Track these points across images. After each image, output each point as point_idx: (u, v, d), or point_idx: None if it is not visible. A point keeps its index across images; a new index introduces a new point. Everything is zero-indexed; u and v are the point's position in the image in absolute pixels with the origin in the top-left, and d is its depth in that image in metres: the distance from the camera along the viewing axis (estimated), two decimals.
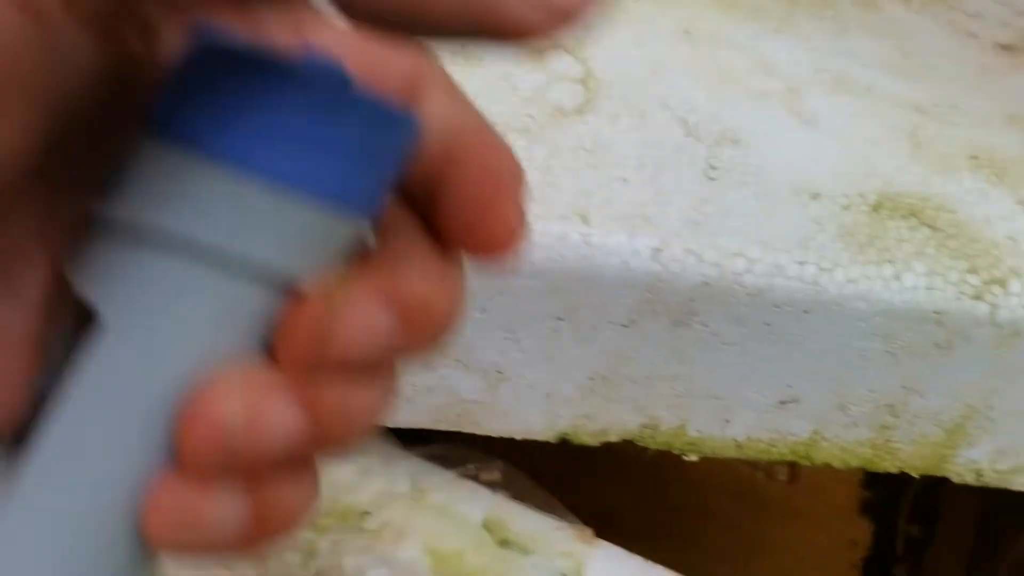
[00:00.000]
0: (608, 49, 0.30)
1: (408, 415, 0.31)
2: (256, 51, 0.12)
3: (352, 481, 0.33)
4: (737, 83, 0.31)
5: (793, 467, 0.56)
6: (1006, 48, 0.36)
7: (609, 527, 0.58)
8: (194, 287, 0.12)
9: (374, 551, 0.32)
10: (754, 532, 0.58)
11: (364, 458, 0.34)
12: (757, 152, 0.28)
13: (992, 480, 0.32)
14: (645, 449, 0.64)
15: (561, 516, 0.33)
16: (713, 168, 0.27)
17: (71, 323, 0.12)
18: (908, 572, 0.56)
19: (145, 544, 0.12)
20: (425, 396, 0.29)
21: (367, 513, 0.33)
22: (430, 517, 0.33)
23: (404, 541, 0.32)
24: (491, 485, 0.34)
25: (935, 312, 0.26)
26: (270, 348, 0.12)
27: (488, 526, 0.33)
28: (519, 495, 0.33)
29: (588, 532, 0.33)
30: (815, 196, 0.27)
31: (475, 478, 0.34)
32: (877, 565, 0.57)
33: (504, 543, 0.32)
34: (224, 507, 0.12)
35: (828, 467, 0.38)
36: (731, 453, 0.31)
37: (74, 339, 0.12)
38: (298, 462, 0.12)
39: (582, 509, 0.58)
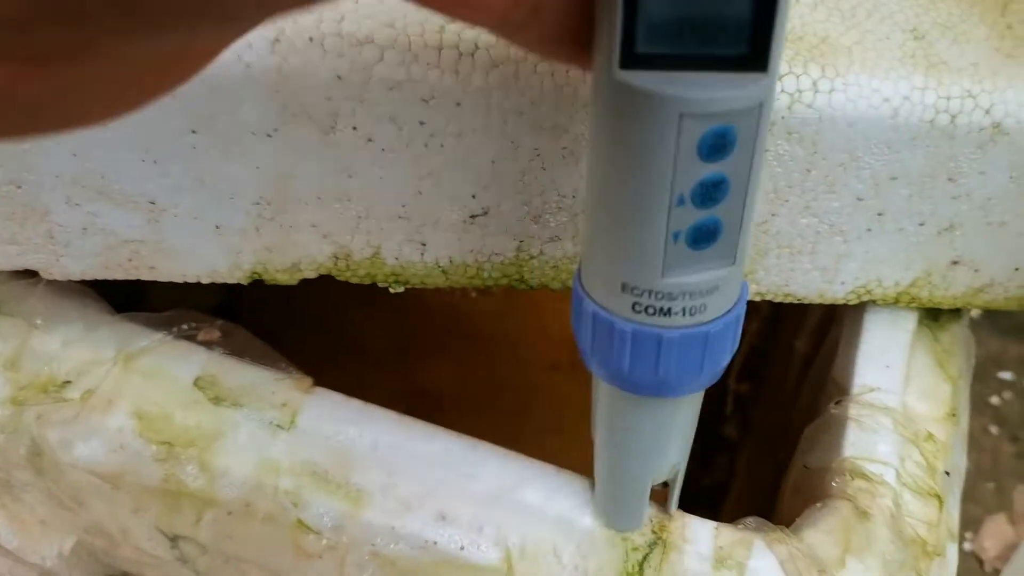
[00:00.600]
0: None
1: (74, 264, 0.28)
2: None
3: (54, 351, 0.31)
4: None
5: None
6: None
7: (435, 406, 0.56)
8: None
9: (81, 421, 0.30)
10: (583, 403, 0.57)
11: (66, 327, 0.32)
12: None
13: None
14: (466, 321, 0.62)
15: (282, 368, 0.31)
16: None
17: None
18: (736, 428, 0.56)
19: None
20: (81, 239, 0.27)
21: (69, 382, 0.31)
22: (139, 381, 0.31)
23: (112, 408, 0.31)
24: (209, 344, 0.32)
25: None
26: None
27: (200, 384, 0.31)
28: (238, 351, 0.32)
29: (307, 381, 0.31)
30: None
31: (191, 338, 0.32)
32: (708, 425, 0.57)
33: (216, 399, 0.31)
34: None
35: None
36: (439, 281, 0.30)
37: None
38: None
39: (406, 389, 0.57)
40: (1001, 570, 0.60)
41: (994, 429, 0.70)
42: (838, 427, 0.30)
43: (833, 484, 0.29)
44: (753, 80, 0.18)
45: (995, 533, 0.63)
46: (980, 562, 0.63)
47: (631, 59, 0.18)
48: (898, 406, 0.31)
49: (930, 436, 0.31)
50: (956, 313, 0.34)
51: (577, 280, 0.22)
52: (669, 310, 0.20)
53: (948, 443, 0.31)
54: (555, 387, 0.57)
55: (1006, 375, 0.72)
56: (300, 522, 0.30)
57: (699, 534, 0.28)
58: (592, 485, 0.29)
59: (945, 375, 0.33)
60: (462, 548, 0.29)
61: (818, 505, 0.28)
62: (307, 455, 0.30)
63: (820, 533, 0.27)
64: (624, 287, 0.20)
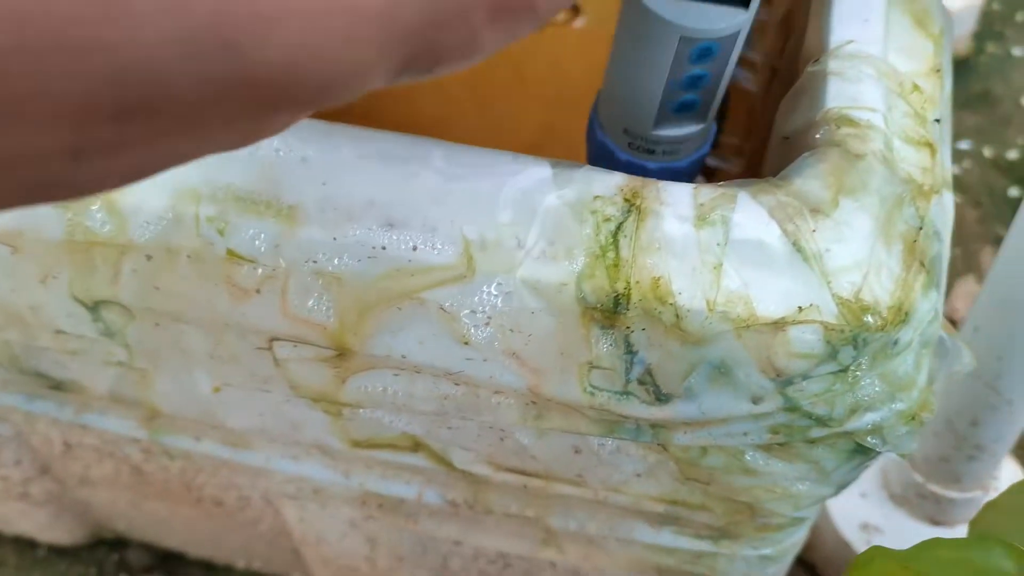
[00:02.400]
0: None
1: None
2: None
3: None
4: None
5: None
6: None
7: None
8: None
9: None
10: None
11: None
12: None
13: None
14: None
15: None
16: None
17: None
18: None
19: None
20: None
21: None
22: None
23: None
24: None
25: None
26: None
27: None
28: None
29: None
30: None
31: None
32: None
33: None
34: None
35: None
36: None
37: None
38: None
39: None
40: None
41: (957, 198, 0.69)
42: (818, 84, 0.27)
43: (817, 136, 0.26)
44: (736, 13, 0.24)
45: (965, 294, 0.62)
46: (954, 323, 0.63)
47: None
48: (880, 57, 0.28)
49: (916, 87, 0.28)
50: None
51: (594, 112, 0.30)
52: (653, 151, 0.29)
53: (935, 96, 0.28)
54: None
55: (964, 145, 0.71)
56: (231, 252, 0.27)
57: (676, 196, 0.25)
58: (552, 164, 0.26)
59: (926, 33, 0.30)
60: (415, 249, 0.25)
61: (805, 155, 0.25)
62: (228, 178, 0.27)
63: (810, 179, 0.25)
64: (625, 131, 0.29)
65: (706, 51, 0.25)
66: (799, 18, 0.33)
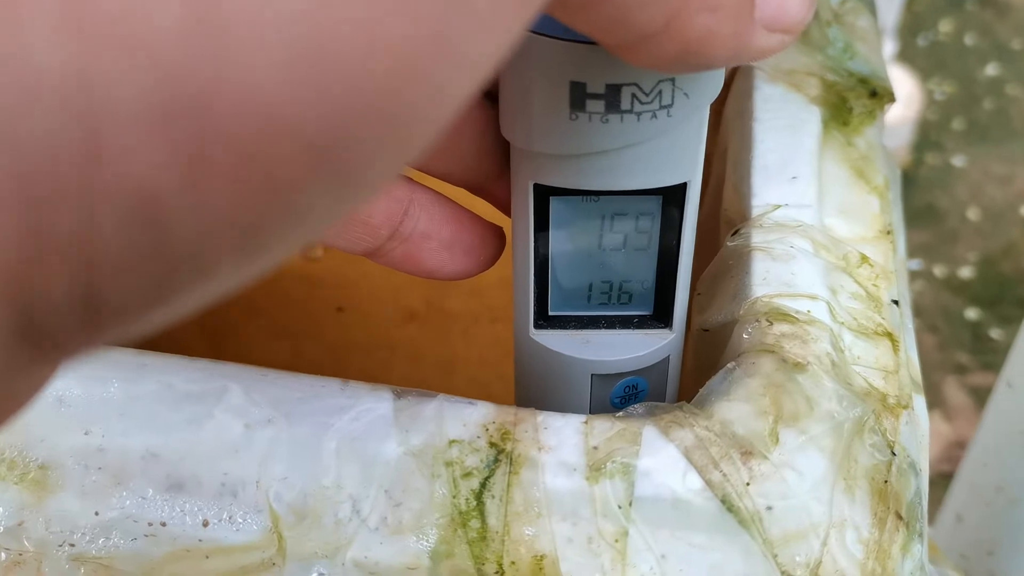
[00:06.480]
0: None
1: None
2: None
3: None
4: None
5: None
6: None
7: None
8: None
9: None
10: (443, 355, 0.48)
11: None
12: None
13: None
14: None
15: None
16: None
17: None
18: None
19: None
20: None
21: None
22: None
23: None
24: None
25: None
26: None
27: None
28: None
29: None
30: None
31: None
32: None
33: None
34: None
35: None
36: None
37: None
38: None
39: None
40: (943, 472, 0.53)
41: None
42: (740, 263, 0.21)
43: (745, 336, 0.20)
44: (659, 337, 0.20)
45: (932, 433, 0.56)
46: None
47: (545, 321, 0.20)
48: (816, 223, 0.22)
49: (864, 259, 0.22)
50: (869, 115, 0.26)
51: None
52: None
53: (888, 267, 0.22)
54: (412, 341, 0.48)
55: (913, 264, 0.66)
56: None
57: (561, 435, 0.18)
58: (395, 395, 0.19)
59: (869, 187, 0.24)
60: (205, 525, 0.18)
61: (729, 366, 0.19)
62: None
63: (737, 403, 0.18)
64: None
65: (632, 388, 0.20)
66: (712, 166, 0.27)
